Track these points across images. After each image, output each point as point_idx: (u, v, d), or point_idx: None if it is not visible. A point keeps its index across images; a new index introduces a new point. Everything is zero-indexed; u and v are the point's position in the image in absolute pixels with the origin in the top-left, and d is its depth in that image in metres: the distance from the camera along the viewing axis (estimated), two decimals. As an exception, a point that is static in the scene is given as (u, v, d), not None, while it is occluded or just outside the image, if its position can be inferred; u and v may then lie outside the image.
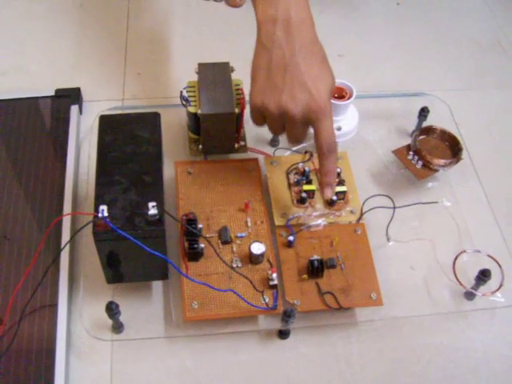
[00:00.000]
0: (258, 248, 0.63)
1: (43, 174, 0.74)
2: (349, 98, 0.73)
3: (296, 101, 0.58)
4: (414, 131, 0.80)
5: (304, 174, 0.71)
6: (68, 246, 0.65)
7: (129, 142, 0.62)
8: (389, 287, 0.65)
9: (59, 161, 0.74)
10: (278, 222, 0.67)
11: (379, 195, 0.71)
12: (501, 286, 0.66)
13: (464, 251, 0.69)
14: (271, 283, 0.62)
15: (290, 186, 0.71)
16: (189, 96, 0.70)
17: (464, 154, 0.75)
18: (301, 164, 0.72)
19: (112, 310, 0.59)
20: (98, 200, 0.57)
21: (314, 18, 0.64)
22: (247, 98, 0.69)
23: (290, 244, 0.66)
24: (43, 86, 0.83)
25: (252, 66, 0.62)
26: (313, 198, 0.69)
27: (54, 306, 0.63)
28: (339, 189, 0.69)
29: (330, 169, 0.62)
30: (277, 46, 0.59)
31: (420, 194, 0.75)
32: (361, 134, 0.78)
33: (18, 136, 0.77)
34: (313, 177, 0.71)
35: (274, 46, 0.59)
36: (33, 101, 0.81)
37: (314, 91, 0.58)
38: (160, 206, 0.56)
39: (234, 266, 0.64)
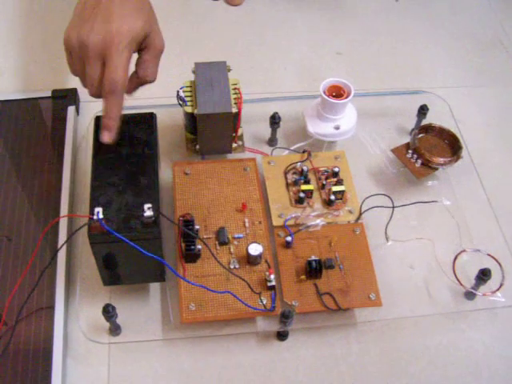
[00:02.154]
0: (255, 249, 0.62)
1: (40, 175, 0.73)
2: (347, 97, 0.72)
3: (94, 33, 0.56)
4: (413, 129, 0.80)
5: (302, 173, 0.70)
6: (65, 248, 0.65)
7: (124, 142, 0.61)
8: (388, 287, 0.65)
9: (56, 162, 0.74)
10: (276, 222, 0.67)
11: (378, 194, 0.71)
12: (501, 285, 0.65)
13: (464, 250, 0.68)
14: (269, 284, 0.62)
15: (287, 185, 0.70)
16: (185, 96, 0.70)
17: (464, 153, 0.74)
18: (299, 164, 0.71)
19: (109, 312, 0.59)
20: (94, 202, 0.56)
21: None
22: (245, 96, 0.69)
23: (287, 244, 0.65)
24: (40, 87, 0.83)
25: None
26: (311, 197, 0.69)
27: (50, 308, 0.62)
28: (337, 188, 0.68)
29: (110, 111, 0.58)
30: None
31: (419, 192, 0.74)
32: (359, 132, 0.78)
33: (14, 137, 0.77)
34: (311, 176, 0.71)
35: None
36: (29, 102, 0.81)
37: (114, 27, 0.56)
38: (156, 208, 0.56)
39: (232, 267, 0.63)
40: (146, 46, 0.60)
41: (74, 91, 0.81)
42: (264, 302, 0.61)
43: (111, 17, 0.56)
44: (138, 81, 0.61)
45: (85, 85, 0.60)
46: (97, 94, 0.59)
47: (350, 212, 0.69)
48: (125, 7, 0.58)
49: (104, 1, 0.57)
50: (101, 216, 0.55)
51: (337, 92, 0.73)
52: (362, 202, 0.69)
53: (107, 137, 0.59)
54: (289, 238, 0.65)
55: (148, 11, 0.61)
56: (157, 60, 0.62)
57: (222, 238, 0.65)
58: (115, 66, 0.56)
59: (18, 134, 0.77)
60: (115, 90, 0.57)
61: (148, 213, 0.55)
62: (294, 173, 0.71)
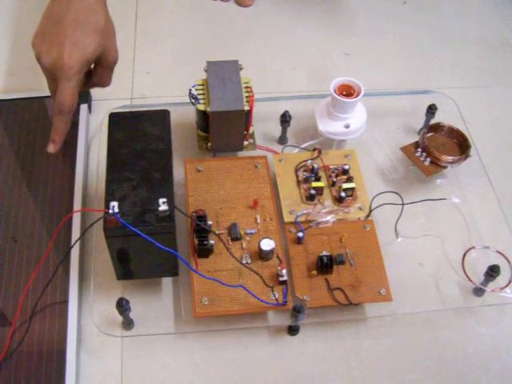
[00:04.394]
0: (267, 244, 0.63)
1: (53, 172, 0.74)
2: (357, 96, 0.73)
3: (49, 55, 0.61)
4: (421, 128, 0.80)
5: (313, 171, 0.71)
6: (78, 243, 0.66)
7: (139, 139, 0.62)
8: (398, 283, 0.65)
9: (69, 160, 0.75)
10: (287, 218, 0.68)
11: (388, 192, 0.71)
12: (510, 281, 0.66)
13: (473, 247, 0.69)
14: (281, 279, 0.62)
15: (298, 183, 0.71)
16: (198, 94, 0.70)
17: (472, 151, 0.75)
18: (309, 161, 0.72)
19: (122, 306, 0.59)
20: (109, 196, 0.57)
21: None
22: (256, 95, 0.70)
23: (299, 240, 0.66)
24: (52, 86, 0.84)
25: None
26: (321, 194, 0.70)
27: (64, 302, 0.63)
28: (348, 185, 0.69)
29: (57, 127, 0.63)
30: (59, 1, 0.62)
31: (428, 190, 0.75)
32: (369, 131, 0.78)
33: (27, 135, 0.78)
34: (321, 174, 0.71)
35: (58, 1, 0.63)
36: (42, 100, 0.82)
37: (66, 54, 0.60)
38: (170, 202, 0.57)
39: (244, 262, 0.64)
40: (99, 62, 0.65)
41: (86, 90, 0.81)
42: (276, 297, 0.62)
43: (65, 41, 0.61)
44: (93, 84, 0.67)
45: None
46: (61, 106, 0.64)
47: (360, 209, 0.69)
48: (78, 30, 0.61)
49: (64, 21, 0.61)
50: (116, 210, 0.55)
51: (347, 91, 0.74)
52: (372, 199, 0.70)
53: (52, 148, 0.64)
54: (300, 234, 0.65)
55: (102, 30, 0.63)
56: (110, 71, 0.67)
57: (234, 234, 0.65)
58: (64, 92, 0.61)
59: (30, 133, 0.78)
60: (62, 111, 0.62)
61: (163, 207, 0.56)
62: (305, 170, 0.72)
